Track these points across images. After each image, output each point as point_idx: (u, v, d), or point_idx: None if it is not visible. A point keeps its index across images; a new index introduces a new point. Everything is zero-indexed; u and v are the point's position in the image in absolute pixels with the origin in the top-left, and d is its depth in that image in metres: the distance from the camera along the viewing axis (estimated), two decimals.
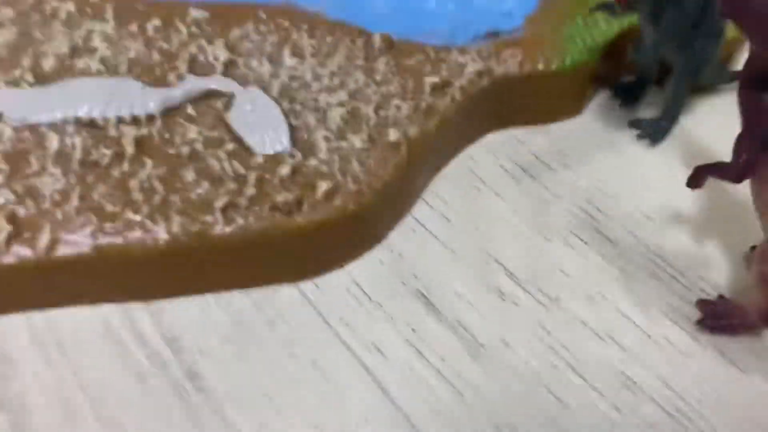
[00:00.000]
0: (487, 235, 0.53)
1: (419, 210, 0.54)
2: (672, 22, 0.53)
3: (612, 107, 0.62)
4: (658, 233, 0.53)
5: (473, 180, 0.56)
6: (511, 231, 0.53)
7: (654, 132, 0.59)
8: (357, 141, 0.49)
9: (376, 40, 0.55)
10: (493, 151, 0.59)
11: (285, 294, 0.48)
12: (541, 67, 0.56)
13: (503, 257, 0.51)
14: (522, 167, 0.57)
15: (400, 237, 0.52)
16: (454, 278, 0.50)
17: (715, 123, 0.59)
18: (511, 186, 0.56)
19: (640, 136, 0.60)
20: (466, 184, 0.56)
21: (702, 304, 0.48)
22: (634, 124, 0.60)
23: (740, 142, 0.44)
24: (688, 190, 0.47)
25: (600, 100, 0.63)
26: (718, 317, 0.47)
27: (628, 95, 0.62)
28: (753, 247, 0.49)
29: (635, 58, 0.54)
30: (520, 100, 0.58)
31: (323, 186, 0.46)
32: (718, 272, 0.51)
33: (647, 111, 0.62)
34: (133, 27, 0.53)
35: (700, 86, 0.61)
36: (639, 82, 0.62)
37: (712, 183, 0.47)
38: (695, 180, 0.47)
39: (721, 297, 0.49)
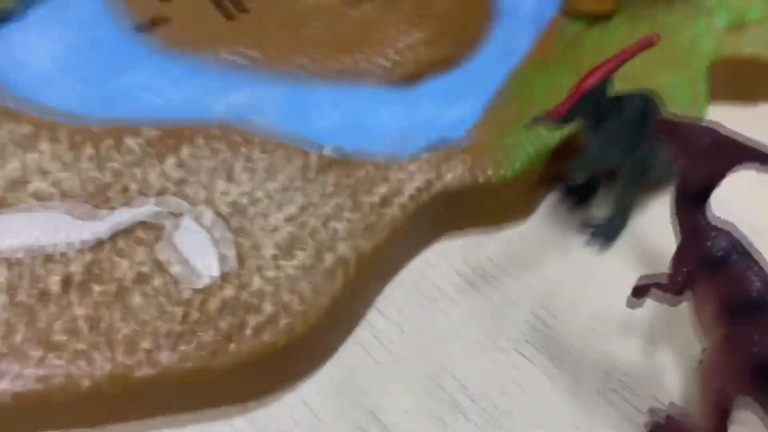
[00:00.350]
0: (441, 345, 0.53)
1: (372, 320, 0.54)
2: (613, 132, 0.54)
3: (564, 208, 0.63)
4: (610, 340, 0.53)
5: (428, 287, 0.57)
6: (465, 341, 0.53)
7: (605, 233, 0.60)
8: (302, 260, 0.49)
9: (323, 155, 0.55)
10: (449, 256, 0.59)
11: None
12: (487, 174, 0.57)
13: (456, 370, 0.51)
14: (477, 273, 0.58)
15: (352, 351, 0.52)
16: (406, 394, 0.50)
17: (665, 220, 0.60)
18: (466, 292, 0.56)
19: (591, 238, 0.60)
20: (420, 292, 0.56)
21: (651, 415, 0.48)
22: (585, 225, 0.61)
23: (677, 261, 0.45)
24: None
25: (552, 200, 0.64)
26: None
27: (580, 196, 0.63)
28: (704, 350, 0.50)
29: (577, 167, 0.55)
30: (471, 207, 0.58)
31: (257, 317, 0.46)
32: (671, 380, 0.51)
33: (600, 211, 0.63)
34: (85, 149, 0.54)
35: (651, 182, 0.63)
36: (590, 183, 0.63)
37: None
38: (637, 296, 0.47)
39: (672, 405, 0.49)
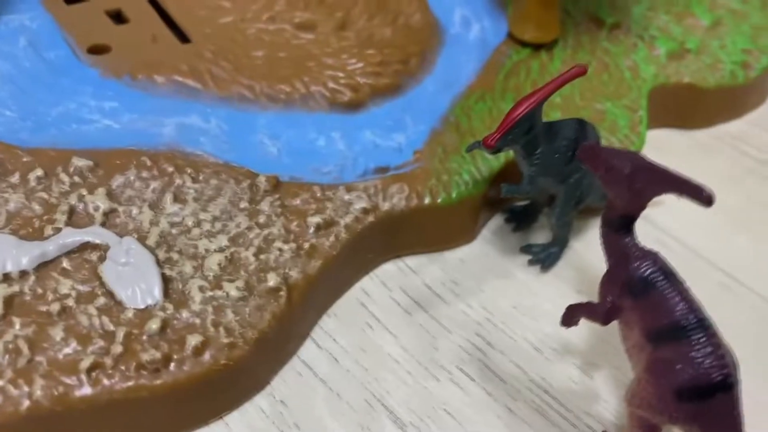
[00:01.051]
0: (375, 374, 0.52)
1: (306, 351, 0.53)
2: (545, 159, 0.55)
3: (505, 232, 0.63)
4: (545, 365, 0.53)
5: (365, 316, 0.56)
6: (400, 369, 0.53)
7: (545, 257, 0.60)
8: (233, 289, 0.49)
9: (262, 181, 0.55)
10: (386, 282, 0.59)
11: None
12: (427, 201, 0.57)
13: (389, 399, 0.51)
14: (414, 299, 0.58)
15: (285, 382, 0.51)
16: (338, 426, 0.49)
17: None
18: (403, 320, 0.56)
19: (531, 262, 0.60)
20: (357, 321, 0.56)
21: None
22: (525, 249, 0.61)
23: (605, 285, 0.45)
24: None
25: (494, 225, 0.64)
26: None
27: (520, 220, 0.63)
28: None
29: (507, 192, 0.56)
30: (410, 232, 0.58)
31: (193, 341, 0.46)
32: (604, 405, 0.51)
33: (541, 234, 0.63)
34: (15, 178, 0.54)
35: (590, 209, 0.63)
36: (531, 207, 0.64)
37: None
38: (568, 320, 0.48)
39: None
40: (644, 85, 0.70)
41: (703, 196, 0.40)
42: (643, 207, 0.44)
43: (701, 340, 0.40)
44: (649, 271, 0.43)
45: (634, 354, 0.44)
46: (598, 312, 0.45)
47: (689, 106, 0.74)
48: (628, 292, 0.43)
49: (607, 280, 0.45)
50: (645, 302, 0.43)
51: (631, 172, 0.43)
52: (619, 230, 0.45)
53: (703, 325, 0.41)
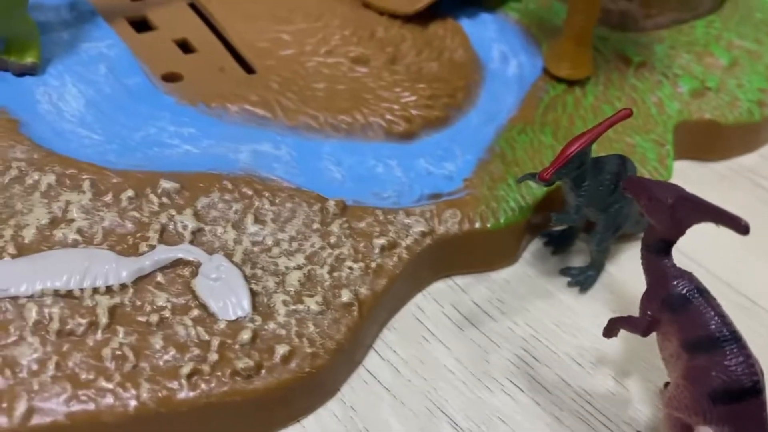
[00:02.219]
0: (433, 384, 0.58)
1: (370, 361, 0.59)
2: (591, 191, 0.60)
3: (545, 255, 0.69)
4: (585, 377, 0.59)
5: (421, 330, 0.62)
6: (455, 380, 0.58)
7: (583, 280, 0.66)
8: (312, 303, 0.54)
9: (331, 205, 0.61)
10: (438, 299, 0.64)
11: None
12: (477, 225, 0.63)
13: (447, 406, 0.56)
14: (464, 315, 0.63)
15: (353, 389, 0.56)
16: (403, 428, 0.54)
17: (636, 269, 0.65)
18: (455, 334, 0.62)
19: (570, 284, 0.66)
20: (413, 334, 0.61)
21: None
22: (564, 272, 0.67)
23: (645, 301, 0.51)
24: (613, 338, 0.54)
25: (534, 248, 0.70)
26: None
27: (559, 244, 0.69)
28: (666, 383, 0.55)
29: (557, 221, 0.61)
30: (460, 254, 0.64)
31: (281, 350, 0.51)
32: (638, 414, 0.57)
33: (577, 257, 0.69)
34: (108, 198, 0.59)
35: (624, 236, 0.69)
36: (569, 232, 0.69)
37: None
38: (609, 332, 0.54)
39: None
40: (670, 121, 0.77)
41: (740, 226, 0.46)
42: (682, 233, 0.50)
43: (734, 350, 0.46)
44: (686, 288, 0.49)
45: (671, 362, 0.50)
46: (639, 325, 0.51)
47: (709, 141, 0.80)
48: (667, 308, 0.49)
49: (647, 297, 0.51)
50: (683, 316, 0.48)
51: (673, 203, 0.48)
52: (658, 253, 0.50)
53: (735, 337, 0.47)
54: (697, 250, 0.71)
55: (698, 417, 0.47)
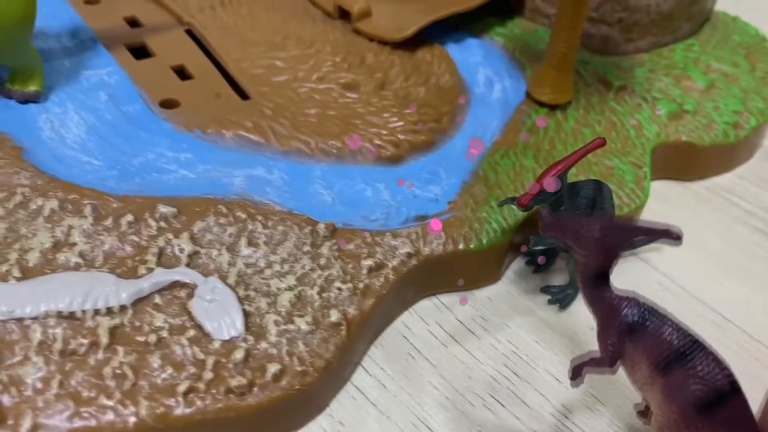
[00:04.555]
0: (418, 399, 0.60)
1: (359, 378, 0.62)
2: (568, 213, 0.63)
3: (527, 273, 0.72)
4: (564, 392, 0.62)
5: (407, 347, 0.64)
6: (439, 396, 0.61)
7: (562, 297, 0.69)
8: (302, 323, 0.57)
9: (321, 227, 0.64)
10: (424, 317, 0.67)
11: None
12: (462, 246, 0.66)
13: (431, 421, 0.59)
14: (449, 333, 0.66)
15: (341, 405, 0.59)
16: None
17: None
18: (440, 351, 0.64)
19: (550, 302, 0.69)
20: (400, 351, 0.64)
21: None
22: (544, 290, 0.70)
23: (602, 336, 0.51)
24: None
25: (517, 266, 0.73)
26: None
27: (537, 264, 0.72)
28: (642, 411, 0.57)
29: (536, 244, 0.64)
30: (445, 273, 0.67)
31: (272, 369, 0.54)
32: (617, 427, 0.59)
33: (558, 276, 0.72)
34: (108, 222, 0.62)
35: None
36: (548, 251, 0.72)
37: None
38: (574, 376, 0.53)
39: None
40: (648, 144, 0.80)
41: (672, 235, 0.48)
42: (615, 259, 0.50)
43: (702, 358, 0.47)
44: (637, 312, 0.49)
45: (647, 389, 0.50)
46: (604, 361, 0.51)
47: (686, 162, 0.84)
48: (624, 338, 0.49)
49: (603, 331, 0.51)
50: (644, 340, 0.49)
51: (601, 233, 0.49)
52: (598, 286, 0.51)
53: (698, 344, 0.48)
54: (673, 271, 0.74)
55: (690, 428, 0.47)
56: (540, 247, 0.65)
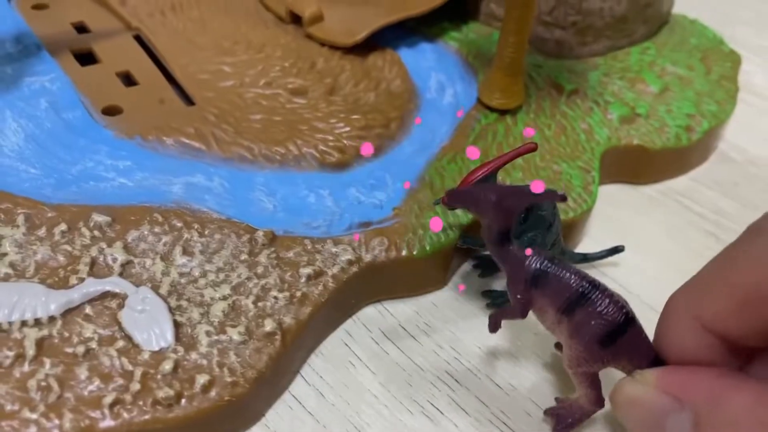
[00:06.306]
0: (356, 408, 0.60)
1: (296, 387, 0.61)
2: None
3: (474, 277, 0.72)
4: (505, 400, 0.61)
5: (348, 355, 0.64)
6: (378, 404, 0.60)
7: (501, 303, 0.68)
8: (235, 334, 0.56)
9: (260, 235, 0.63)
10: (367, 324, 0.67)
11: None
12: (404, 253, 0.65)
13: (368, 429, 0.58)
14: (392, 340, 0.65)
15: (277, 415, 0.59)
16: None
17: None
18: (381, 359, 0.64)
19: (489, 305, 0.69)
20: (341, 360, 0.63)
21: (549, 412, 0.59)
22: (485, 294, 0.69)
23: (512, 288, 0.55)
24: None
25: (463, 271, 0.72)
26: (564, 419, 0.58)
27: (486, 267, 0.72)
28: (557, 344, 0.62)
29: (464, 243, 0.65)
30: (389, 280, 0.66)
31: (201, 380, 0.53)
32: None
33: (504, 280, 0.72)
34: (42, 232, 0.61)
35: None
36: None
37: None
38: (492, 325, 0.58)
39: (557, 399, 0.60)
40: (598, 148, 0.79)
41: (558, 196, 0.52)
42: (514, 219, 0.55)
43: (599, 297, 0.52)
44: (539, 263, 0.54)
45: (555, 329, 0.55)
46: (515, 311, 0.56)
47: (638, 165, 0.83)
48: (532, 285, 0.54)
49: (512, 283, 0.55)
50: (548, 287, 0.54)
51: (497, 199, 0.53)
52: (503, 244, 0.55)
53: (595, 284, 0.53)
54: (630, 280, 0.73)
55: (597, 363, 0.53)
56: (469, 246, 0.65)
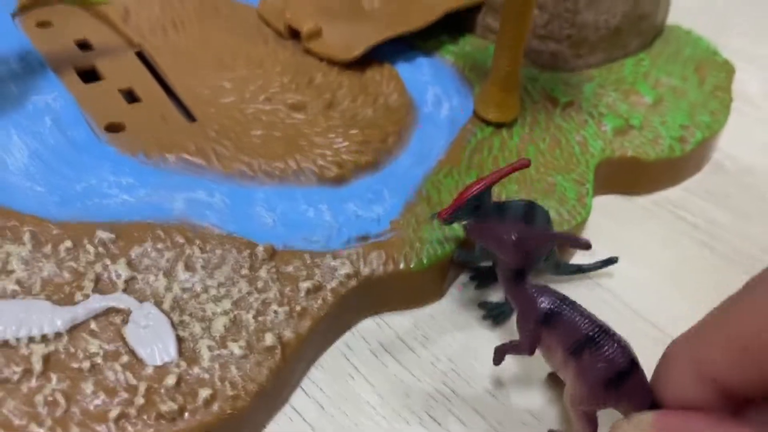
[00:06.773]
0: (355, 420, 0.61)
1: (297, 398, 0.62)
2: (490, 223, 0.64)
3: (470, 289, 0.73)
4: (501, 410, 0.63)
5: (347, 367, 0.65)
6: (376, 415, 0.62)
7: (496, 314, 0.70)
8: (236, 348, 0.58)
9: (260, 250, 0.64)
10: (366, 337, 0.68)
11: None
12: (402, 266, 0.67)
13: None
14: (390, 352, 0.67)
15: (278, 427, 0.60)
16: None
17: None
18: (380, 371, 0.65)
19: (484, 317, 0.70)
20: (340, 372, 0.65)
21: None
22: (481, 306, 0.71)
23: (522, 324, 0.57)
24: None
25: (460, 282, 0.73)
26: None
27: (482, 279, 0.73)
28: (550, 374, 0.64)
29: (459, 257, 0.66)
30: (387, 293, 0.68)
31: (203, 393, 0.54)
32: None
33: (501, 292, 0.73)
34: (47, 249, 0.62)
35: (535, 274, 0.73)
36: (492, 267, 0.73)
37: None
38: (497, 359, 0.60)
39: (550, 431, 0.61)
40: (592, 160, 0.81)
41: (581, 243, 0.53)
42: (532, 261, 0.56)
43: (607, 342, 0.53)
44: (552, 303, 0.55)
45: (562, 369, 0.56)
46: (524, 346, 0.57)
47: (633, 176, 0.85)
48: (540, 326, 0.55)
49: (522, 320, 0.57)
50: (558, 328, 0.55)
51: (517, 240, 0.54)
52: (517, 281, 0.56)
53: (604, 329, 0.54)
54: (624, 291, 0.75)
55: (599, 404, 0.54)
56: (464, 260, 0.67)
